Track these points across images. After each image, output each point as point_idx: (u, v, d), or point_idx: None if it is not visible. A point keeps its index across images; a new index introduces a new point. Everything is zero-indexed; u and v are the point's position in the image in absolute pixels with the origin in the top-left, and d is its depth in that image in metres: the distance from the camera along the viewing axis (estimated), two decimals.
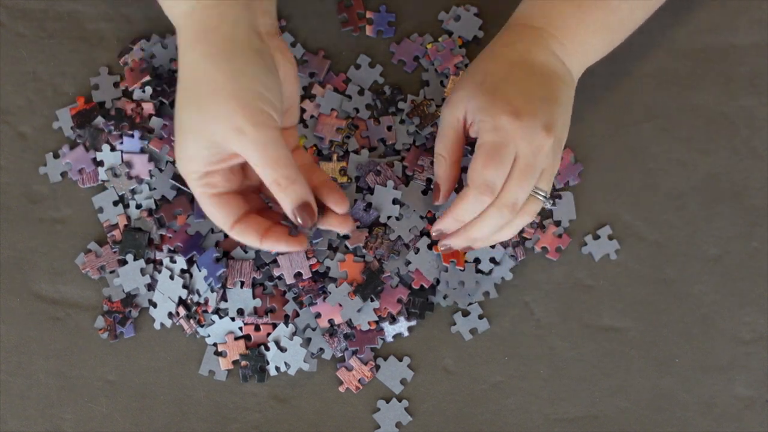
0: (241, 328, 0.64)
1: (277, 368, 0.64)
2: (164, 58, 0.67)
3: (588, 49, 0.59)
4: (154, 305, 0.64)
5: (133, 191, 0.65)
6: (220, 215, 0.53)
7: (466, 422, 0.64)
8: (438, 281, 0.65)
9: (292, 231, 0.54)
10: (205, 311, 0.64)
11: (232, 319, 0.64)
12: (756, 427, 0.64)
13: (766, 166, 0.66)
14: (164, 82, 0.66)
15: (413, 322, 0.65)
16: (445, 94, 0.67)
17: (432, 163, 0.65)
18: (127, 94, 0.67)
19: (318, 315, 0.64)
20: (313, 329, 0.64)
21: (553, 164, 0.56)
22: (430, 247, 0.64)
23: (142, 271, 0.64)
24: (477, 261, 0.65)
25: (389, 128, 0.66)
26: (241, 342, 0.64)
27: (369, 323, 0.64)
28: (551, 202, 0.58)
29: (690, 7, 0.67)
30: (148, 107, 0.66)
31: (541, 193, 0.56)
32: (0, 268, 0.66)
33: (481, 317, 0.65)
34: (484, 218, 0.56)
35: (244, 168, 0.55)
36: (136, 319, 0.65)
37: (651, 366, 0.65)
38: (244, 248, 0.64)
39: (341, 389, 0.64)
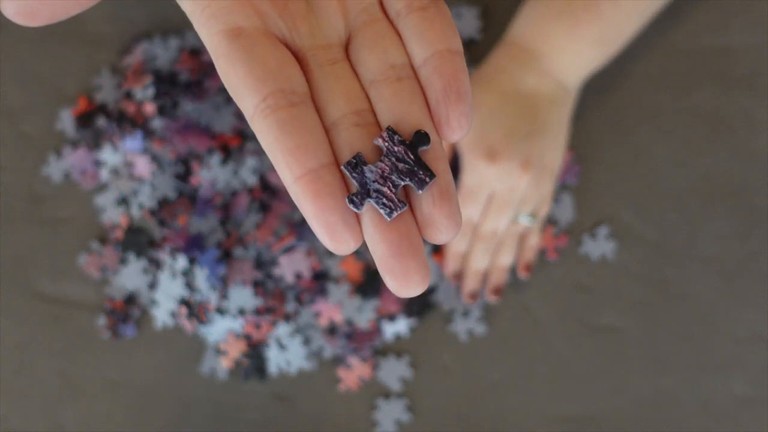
0: (242, 327, 0.64)
1: (278, 367, 0.64)
2: (166, 59, 0.67)
3: (584, 62, 0.61)
4: (156, 304, 0.65)
5: (135, 191, 0.66)
6: (239, 77, 0.27)
7: (466, 420, 0.64)
8: (437, 285, 0.65)
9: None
10: (207, 310, 0.64)
11: (233, 317, 0.64)
12: (754, 426, 0.64)
13: (764, 166, 0.66)
14: (166, 83, 0.66)
15: (413, 321, 0.65)
16: None
17: None
18: (130, 94, 0.67)
19: (318, 314, 0.64)
20: (314, 328, 0.64)
21: (536, 191, 0.61)
22: (429, 253, 0.65)
23: (144, 271, 0.65)
24: None
25: None
26: (242, 341, 0.64)
27: (369, 322, 0.64)
28: (535, 221, 0.62)
29: (688, 9, 0.68)
30: (150, 108, 0.66)
31: (522, 217, 0.61)
32: (2, 268, 0.66)
33: (480, 318, 0.65)
34: (473, 250, 0.63)
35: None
36: (138, 319, 0.65)
37: (649, 365, 0.65)
38: (245, 247, 0.65)
39: (341, 387, 0.65)
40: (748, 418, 0.64)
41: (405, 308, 0.65)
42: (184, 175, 0.65)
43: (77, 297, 0.66)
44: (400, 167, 0.26)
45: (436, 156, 0.27)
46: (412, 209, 0.27)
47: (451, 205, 0.26)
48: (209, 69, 0.66)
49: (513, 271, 0.65)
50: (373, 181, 0.26)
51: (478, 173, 0.60)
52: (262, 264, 0.64)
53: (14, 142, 0.67)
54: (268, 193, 0.65)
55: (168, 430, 0.64)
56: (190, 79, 0.67)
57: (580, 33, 0.59)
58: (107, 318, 0.65)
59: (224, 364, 0.64)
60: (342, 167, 0.26)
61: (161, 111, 0.66)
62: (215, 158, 0.65)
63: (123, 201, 0.66)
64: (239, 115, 0.66)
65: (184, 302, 0.65)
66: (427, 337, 0.65)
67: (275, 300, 0.64)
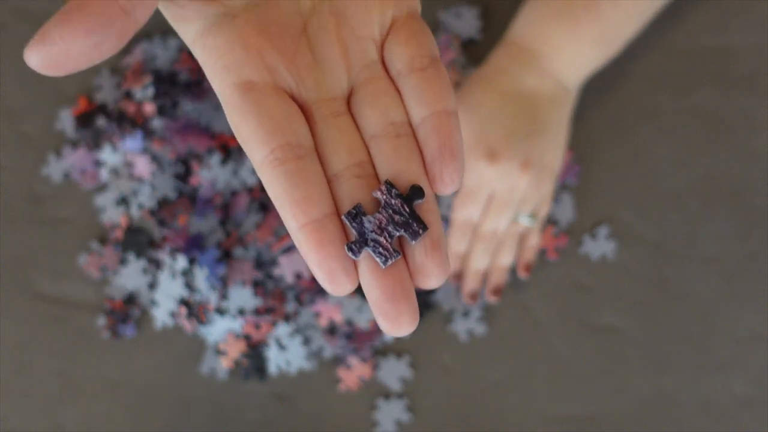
0: (242, 327, 0.64)
1: (278, 367, 0.64)
2: (166, 60, 0.67)
3: (584, 62, 0.61)
4: (156, 304, 0.65)
5: (135, 191, 0.66)
6: (250, 129, 0.29)
7: (466, 420, 0.64)
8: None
9: (351, 250, 0.28)
10: (206, 310, 0.64)
11: (233, 318, 0.64)
12: (754, 426, 0.64)
13: (764, 166, 0.66)
14: (166, 83, 0.66)
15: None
16: None
17: None
18: (129, 94, 0.67)
19: (318, 314, 0.64)
20: (314, 328, 0.64)
21: (536, 191, 0.61)
22: None
23: (144, 271, 0.65)
24: None
25: None
26: (242, 341, 0.64)
27: (369, 322, 0.64)
28: (535, 221, 0.62)
29: (688, 9, 0.68)
30: (150, 108, 0.66)
31: (522, 218, 0.61)
32: (2, 268, 0.66)
33: (480, 318, 0.65)
34: (473, 250, 0.63)
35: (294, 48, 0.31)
36: (138, 319, 0.65)
37: (649, 365, 0.65)
38: (245, 247, 0.65)
39: (341, 387, 0.65)
40: (748, 418, 0.64)
41: None
42: (183, 175, 0.65)
43: (77, 297, 0.66)
44: (396, 219, 0.28)
45: (429, 209, 0.29)
46: (405, 257, 0.29)
47: (441, 255, 0.28)
48: None
49: (513, 271, 0.65)
50: (371, 231, 0.28)
51: (478, 173, 0.60)
52: (262, 264, 0.65)
53: (14, 142, 0.67)
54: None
55: (168, 430, 0.64)
56: (190, 79, 0.67)
57: (580, 33, 0.59)
58: (107, 318, 0.65)
59: (224, 364, 0.64)
60: (342, 217, 0.28)
61: (161, 111, 0.66)
62: (215, 158, 0.65)
63: (123, 201, 0.66)
64: None
65: (184, 302, 0.65)
66: (427, 337, 0.65)
67: (275, 300, 0.64)
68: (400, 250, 0.29)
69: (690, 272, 0.66)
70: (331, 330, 0.64)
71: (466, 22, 0.68)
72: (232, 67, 0.29)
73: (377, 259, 0.28)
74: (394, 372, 0.65)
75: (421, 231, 0.28)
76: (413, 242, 0.28)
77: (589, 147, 0.67)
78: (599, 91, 0.67)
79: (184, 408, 0.65)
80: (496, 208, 0.61)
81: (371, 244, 0.28)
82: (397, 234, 0.28)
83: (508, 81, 0.60)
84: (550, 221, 0.66)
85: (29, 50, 0.26)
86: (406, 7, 0.31)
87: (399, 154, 0.29)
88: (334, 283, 0.28)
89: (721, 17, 0.68)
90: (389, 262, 0.28)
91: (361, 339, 0.64)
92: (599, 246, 0.66)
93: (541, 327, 0.65)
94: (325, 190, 0.29)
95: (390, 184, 0.28)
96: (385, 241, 0.28)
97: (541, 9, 0.60)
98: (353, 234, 0.28)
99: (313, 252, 0.28)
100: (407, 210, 0.28)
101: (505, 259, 0.64)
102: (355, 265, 0.28)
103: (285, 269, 0.64)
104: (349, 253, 0.28)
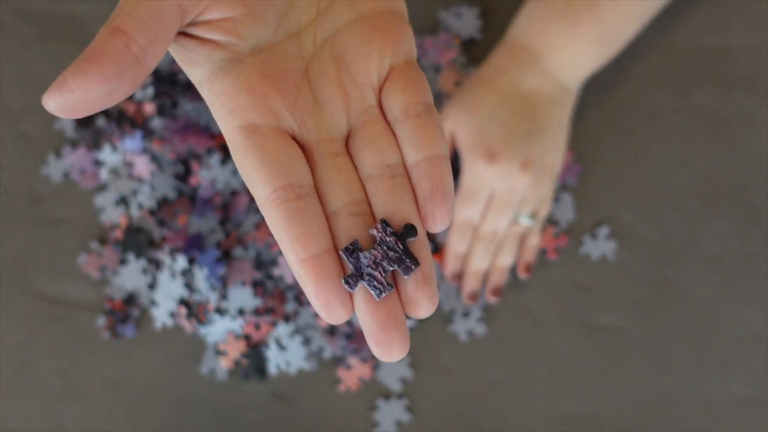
0: (241, 327, 0.64)
1: (278, 367, 0.64)
2: (166, 59, 0.67)
3: (584, 63, 0.61)
4: (156, 305, 0.65)
5: (134, 191, 0.66)
6: (254, 170, 0.31)
7: (466, 420, 0.64)
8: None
9: (347, 283, 0.30)
10: (206, 310, 0.64)
11: (233, 318, 0.64)
12: (754, 426, 0.64)
13: (764, 166, 0.66)
14: (166, 83, 0.66)
15: (412, 321, 0.65)
16: (438, 87, 0.67)
17: None
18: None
19: (318, 314, 0.64)
20: (314, 328, 0.64)
21: (536, 191, 0.61)
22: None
23: (144, 271, 0.65)
24: None
25: None
26: (242, 341, 0.64)
27: None
28: (535, 221, 0.62)
29: (688, 9, 0.68)
30: (150, 108, 0.66)
31: (522, 218, 0.61)
32: (2, 268, 0.66)
33: (480, 318, 0.65)
34: (473, 250, 0.63)
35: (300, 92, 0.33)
36: (138, 319, 0.65)
37: (649, 365, 0.65)
38: (245, 247, 0.65)
39: (341, 388, 0.65)
40: (748, 418, 0.64)
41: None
42: (183, 175, 0.65)
43: (77, 297, 0.66)
44: (390, 255, 0.30)
45: (421, 246, 0.31)
46: (397, 289, 0.31)
47: (432, 288, 0.30)
48: None
49: (513, 271, 0.65)
50: (367, 266, 0.30)
51: (478, 173, 0.60)
52: (262, 264, 0.65)
53: (14, 142, 0.67)
54: None
55: (168, 430, 0.65)
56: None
57: (580, 33, 0.59)
58: (107, 318, 0.65)
59: (224, 365, 0.64)
60: (340, 252, 0.30)
61: (161, 111, 0.66)
62: (215, 158, 0.65)
63: (122, 201, 0.66)
64: None
65: (184, 302, 0.65)
66: (427, 338, 0.65)
67: (275, 300, 0.64)
68: (393, 282, 0.31)
69: (690, 272, 0.66)
70: (331, 330, 0.64)
71: (466, 22, 0.68)
72: (237, 110, 0.30)
73: (372, 292, 0.30)
74: (394, 372, 0.65)
75: (413, 267, 0.30)
76: (405, 277, 0.30)
77: (589, 147, 0.67)
78: (599, 91, 0.67)
79: (184, 408, 0.65)
80: (496, 208, 0.61)
81: (367, 277, 0.30)
82: (391, 269, 0.30)
83: (508, 81, 0.60)
84: (551, 221, 0.66)
85: (48, 96, 0.27)
86: (404, 54, 0.32)
87: (394, 194, 0.31)
88: (331, 312, 0.30)
89: (721, 17, 0.68)
90: (383, 295, 0.30)
91: (361, 339, 0.64)
92: (599, 246, 0.66)
93: (541, 327, 0.65)
94: (323, 228, 0.30)
95: (385, 223, 0.30)
96: (379, 276, 0.30)
97: (541, 9, 0.60)
98: (350, 268, 0.30)
99: (311, 284, 0.30)
100: (401, 247, 0.30)
101: (505, 260, 0.64)
102: (351, 296, 0.30)
103: (285, 269, 0.64)
104: (346, 286, 0.30)
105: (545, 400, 0.65)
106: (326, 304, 0.30)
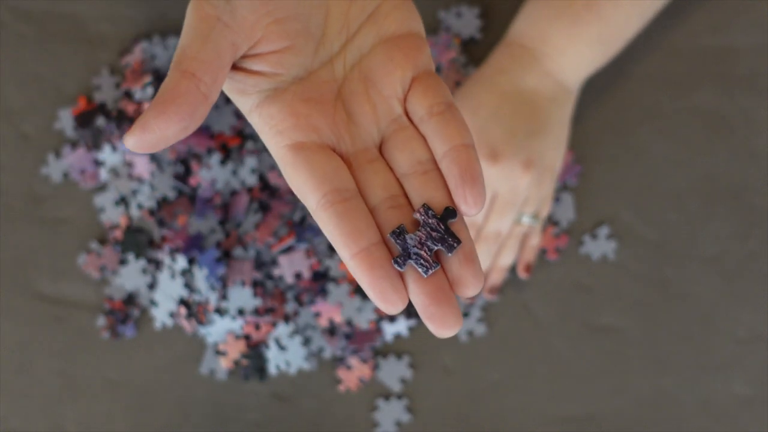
0: (241, 327, 0.64)
1: (278, 367, 0.64)
2: (165, 59, 0.67)
3: (584, 62, 0.61)
4: (155, 305, 0.65)
5: (134, 191, 0.66)
6: (303, 181, 0.34)
7: (466, 420, 0.64)
8: None
9: (397, 263, 0.33)
10: (206, 310, 0.64)
11: (233, 318, 0.64)
12: (754, 426, 0.64)
13: (764, 166, 0.66)
14: None
15: (413, 322, 0.65)
16: None
17: None
18: (129, 94, 0.67)
19: (318, 314, 0.64)
20: (313, 328, 0.64)
21: (538, 191, 0.61)
22: None
23: (144, 271, 0.65)
24: None
25: None
26: (242, 341, 0.64)
27: (369, 322, 0.64)
28: (537, 222, 0.62)
29: (689, 8, 0.68)
30: None
31: (524, 218, 0.61)
32: (1, 268, 0.66)
33: (480, 318, 0.65)
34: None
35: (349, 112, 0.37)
36: (138, 319, 0.65)
37: (649, 365, 0.65)
38: (245, 247, 0.65)
39: (341, 388, 0.65)
40: (748, 418, 0.64)
41: (405, 309, 0.64)
42: (183, 175, 0.65)
43: (77, 297, 0.66)
44: (433, 235, 0.33)
45: (460, 227, 0.34)
46: (443, 269, 0.33)
47: (476, 266, 0.33)
48: None
49: (513, 270, 0.65)
50: (413, 246, 0.33)
51: None
52: (262, 264, 0.64)
53: (14, 142, 0.67)
54: (268, 193, 0.65)
55: (168, 430, 0.65)
56: None
57: (580, 33, 0.59)
58: (106, 318, 0.65)
59: (224, 365, 0.64)
60: (388, 235, 0.33)
61: None
62: (215, 158, 0.65)
63: (122, 201, 0.66)
64: (239, 115, 0.66)
65: (184, 302, 0.65)
66: (427, 338, 0.65)
67: (275, 300, 0.64)
68: (439, 262, 0.33)
69: (690, 272, 0.66)
70: (331, 330, 0.64)
71: (467, 22, 0.68)
72: (284, 132, 0.35)
73: (419, 270, 0.33)
74: (394, 372, 0.65)
75: (455, 245, 0.33)
76: (449, 254, 0.33)
77: (589, 147, 0.67)
78: (599, 91, 0.67)
79: (184, 408, 0.65)
80: (499, 208, 0.61)
81: (414, 256, 0.33)
82: (435, 248, 0.33)
83: (509, 81, 0.60)
84: (551, 221, 0.66)
85: (130, 136, 0.31)
86: (423, 66, 0.36)
87: (428, 186, 0.34)
88: (386, 300, 0.32)
89: (721, 17, 0.68)
90: (430, 272, 0.33)
91: (361, 339, 0.64)
92: (599, 246, 0.66)
93: (541, 327, 0.65)
94: (371, 224, 0.34)
95: (427, 207, 0.34)
96: (425, 254, 0.33)
97: (541, 9, 0.60)
98: (398, 250, 0.33)
99: (366, 275, 0.32)
100: (443, 227, 0.33)
101: (506, 260, 0.64)
102: (404, 283, 0.33)
103: (285, 269, 0.64)
104: (396, 266, 0.33)
105: (545, 400, 0.65)
106: (381, 292, 0.32)
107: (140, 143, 0.31)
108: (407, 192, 0.35)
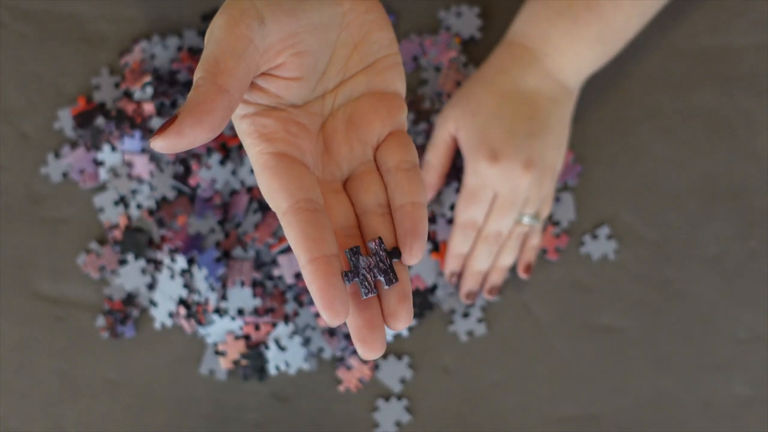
0: (241, 328, 0.64)
1: (277, 367, 0.64)
2: (165, 59, 0.67)
3: (585, 62, 0.61)
4: (155, 305, 0.65)
5: (133, 191, 0.66)
6: (281, 185, 0.37)
7: (466, 421, 0.64)
8: (436, 285, 0.65)
9: (346, 276, 0.37)
10: (206, 311, 0.64)
11: (233, 318, 0.64)
12: (754, 426, 0.64)
13: (764, 166, 0.66)
14: (165, 82, 0.66)
15: (413, 322, 0.65)
16: (438, 87, 0.67)
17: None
18: (128, 94, 0.67)
19: (318, 314, 0.64)
20: (313, 328, 0.64)
21: (539, 191, 0.61)
22: (429, 252, 0.65)
23: (143, 271, 0.65)
24: None
25: None
26: (241, 341, 0.64)
27: None
28: (537, 222, 0.62)
29: (689, 8, 0.68)
30: (149, 108, 0.66)
31: (525, 218, 0.62)
32: (1, 268, 0.66)
33: (480, 319, 0.65)
34: (476, 251, 0.63)
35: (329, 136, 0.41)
36: (137, 319, 0.65)
37: (650, 365, 0.65)
38: (244, 248, 0.65)
39: (341, 388, 0.64)
40: (748, 418, 0.64)
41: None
42: (183, 175, 0.65)
43: (77, 297, 0.66)
44: (380, 266, 0.37)
45: (402, 268, 0.38)
46: (380, 300, 0.37)
47: (409, 305, 0.37)
48: None
49: (513, 270, 0.65)
50: (363, 268, 0.37)
51: (480, 174, 0.60)
52: (262, 264, 0.64)
53: (13, 142, 0.67)
54: None
55: (168, 430, 0.65)
56: (189, 78, 0.66)
57: (581, 33, 0.59)
58: (106, 318, 0.65)
59: (223, 365, 0.64)
60: (345, 251, 0.37)
61: (159, 111, 0.66)
62: (214, 158, 0.65)
63: (122, 201, 0.66)
64: None
65: (183, 303, 0.64)
66: (427, 338, 0.65)
67: (275, 300, 0.64)
68: (377, 290, 0.37)
69: (690, 272, 0.66)
70: (331, 330, 0.64)
71: (467, 21, 0.68)
72: (273, 141, 0.38)
73: (361, 290, 0.37)
74: (394, 372, 0.65)
75: (394, 280, 0.37)
76: (386, 287, 0.37)
77: (589, 147, 0.67)
78: (599, 91, 0.67)
79: (184, 408, 0.65)
80: (500, 208, 0.60)
81: (361, 276, 0.37)
82: (378, 278, 0.37)
83: (509, 81, 0.60)
84: (551, 221, 0.66)
85: (162, 139, 0.34)
86: (398, 123, 0.41)
87: (384, 227, 0.38)
88: (332, 309, 0.35)
89: (721, 17, 0.68)
90: (369, 295, 0.37)
91: None
92: (600, 246, 0.66)
93: (541, 327, 0.65)
94: (333, 237, 0.36)
95: (381, 240, 0.38)
96: (370, 278, 0.37)
97: (542, 9, 0.60)
98: (351, 266, 0.37)
99: (319, 280, 0.35)
100: (388, 262, 0.37)
101: (506, 260, 0.63)
102: (349, 298, 0.36)
103: (284, 269, 0.64)
104: (344, 279, 0.36)
105: (545, 400, 0.65)
106: (330, 300, 0.35)
107: (169, 146, 0.34)
108: (363, 226, 0.39)
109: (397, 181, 0.39)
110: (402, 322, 0.37)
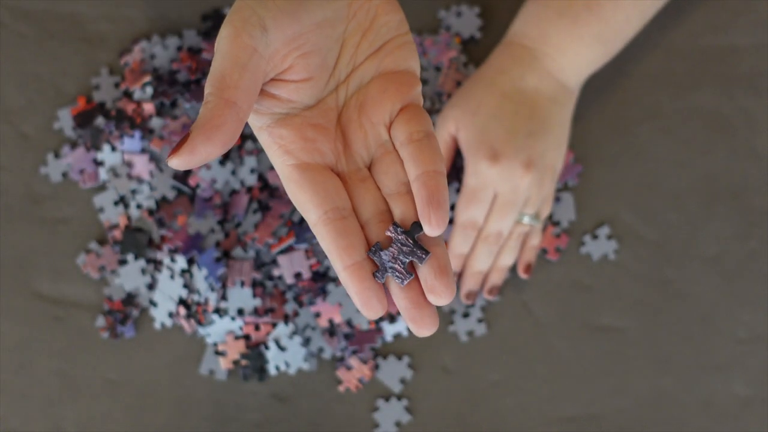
0: (241, 328, 0.64)
1: (277, 367, 0.64)
2: (165, 59, 0.67)
3: (585, 62, 0.61)
4: (155, 305, 0.65)
5: (133, 191, 0.66)
6: (307, 198, 0.38)
7: (465, 421, 0.64)
8: None
9: (377, 276, 0.38)
10: (205, 311, 0.64)
11: (233, 318, 0.64)
12: (754, 426, 0.64)
13: (765, 166, 0.66)
14: (165, 82, 0.66)
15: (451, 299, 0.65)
16: (438, 87, 0.67)
17: None
18: (128, 94, 0.67)
19: (318, 314, 0.64)
20: (313, 329, 0.64)
21: (539, 191, 0.61)
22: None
23: (143, 271, 0.65)
24: None
25: None
26: (241, 341, 0.64)
27: (369, 323, 0.64)
28: (538, 222, 0.62)
29: (689, 8, 0.68)
30: (149, 107, 0.66)
31: (525, 218, 0.62)
32: (1, 268, 0.66)
33: (480, 319, 0.65)
34: (476, 251, 0.63)
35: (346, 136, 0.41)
36: (137, 319, 0.65)
37: (650, 365, 0.65)
38: (244, 248, 0.65)
39: (341, 388, 0.64)
40: (748, 418, 0.64)
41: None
42: (182, 175, 0.65)
43: (77, 297, 0.66)
44: (404, 249, 0.37)
45: (434, 241, 0.37)
46: (418, 278, 0.37)
47: (448, 278, 0.37)
48: (207, 67, 0.66)
49: (513, 270, 0.65)
50: (388, 261, 0.37)
51: (481, 174, 0.60)
52: (262, 264, 0.64)
53: (13, 142, 0.67)
54: (267, 193, 0.65)
55: (168, 430, 0.65)
56: (189, 78, 0.66)
57: (581, 33, 0.59)
58: (106, 318, 0.65)
59: (223, 365, 0.64)
60: (367, 254, 0.38)
61: (159, 111, 0.66)
62: None
63: (121, 201, 0.66)
64: None
65: (183, 303, 0.64)
66: (427, 338, 0.65)
67: (274, 300, 0.64)
68: (413, 271, 0.37)
69: (690, 272, 0.66)
70: (331, 331, 0.64)
71: (467, 21, 0.68)
72: (293, 152, 0.38)
73: (396, 281, 0.37)
74: (394, 373, 0.65)
75: (424, 256, 0.37)
76: (421, 264, 0.37)
77: (589, 147, 0.67)
78: (599, 91, 0.67)
79: (184, 408, 0.65)
80: (500, 208, 0.60)
81: (390, 270, 0.37)
82: (408, 260, 0.37)
83: (509, 81, 0.60)
84: (551, 221, 0.66)
85: (177, 158, 0.35)
86: (409, 99, 0.40)
87: (409, 205, 0.38)
88: (369, 306, 0.37)
89: (722, 17, 0.68)
90: (406, 281, 0.37)
91: (361, 340, 0.64)
92: (600, 246, 0.66)
93: (541, 327, 0.65)
94: (362, 241, 0.38)
95: (396, 224, 0.38)
96: (399, 267, 0.37)
97: (542, 9, 0.60)
98: (378, 264, 0.38)
99: (355, 285, 0.37)
100: (411, 242, 0.37)
101: (506, 260, 0.63)
102: (385, 293, 0.37)
103: (284, 269, 0.64)
104: (377, 279, 0.37)
105: (545, 400, 0.65)
106: (367, 300, 0.37)
107: (184, 164, 0.35)
108: (392, 209, 0.39)
109: (409, 153, 0.38)
110: (442, 296, 0.37)
